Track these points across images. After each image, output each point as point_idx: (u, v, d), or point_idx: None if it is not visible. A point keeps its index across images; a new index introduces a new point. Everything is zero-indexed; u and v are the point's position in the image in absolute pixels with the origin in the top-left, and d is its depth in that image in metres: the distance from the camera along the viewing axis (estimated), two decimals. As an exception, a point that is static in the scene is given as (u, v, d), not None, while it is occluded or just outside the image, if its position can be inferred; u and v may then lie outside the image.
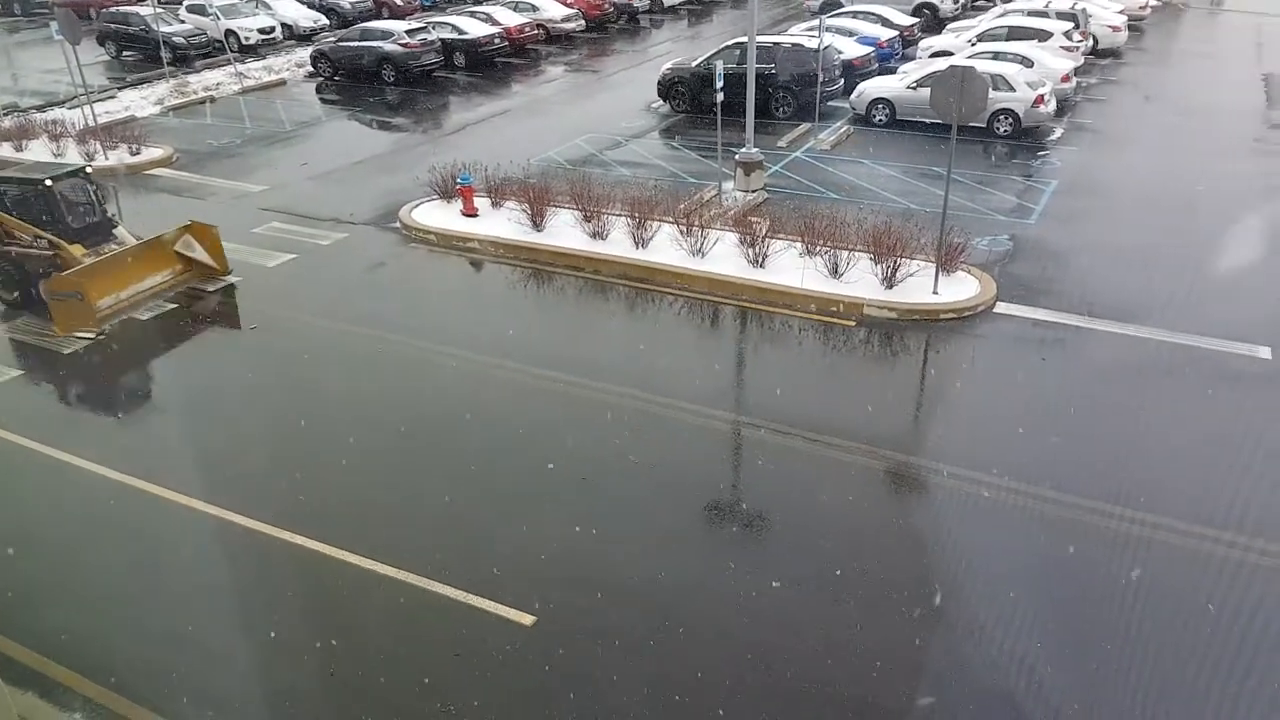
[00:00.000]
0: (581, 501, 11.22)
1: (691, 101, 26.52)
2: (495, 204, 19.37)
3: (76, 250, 15.57)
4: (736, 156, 20.03)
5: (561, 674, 8.82)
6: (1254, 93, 28.56)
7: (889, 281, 15.45)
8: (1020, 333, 14.71)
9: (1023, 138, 23.74)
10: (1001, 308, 15.30)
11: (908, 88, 24.68)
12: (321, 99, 30.84)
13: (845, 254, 15.84)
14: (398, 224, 19.39)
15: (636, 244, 17.41)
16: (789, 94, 25.65)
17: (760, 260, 16.37)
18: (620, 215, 17.85)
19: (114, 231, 16.52)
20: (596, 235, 17.84)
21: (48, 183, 15.49)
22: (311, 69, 33.39)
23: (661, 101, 27.56)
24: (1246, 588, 9.59)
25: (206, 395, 13.83)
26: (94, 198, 16.40)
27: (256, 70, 33.67)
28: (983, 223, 18.50)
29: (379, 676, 8.88)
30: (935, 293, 15.30)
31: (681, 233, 17.08)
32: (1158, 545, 10.16)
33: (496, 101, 29.60)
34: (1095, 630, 9.09)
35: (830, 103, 26.02)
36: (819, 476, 11.54)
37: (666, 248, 17.18)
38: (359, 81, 31.81)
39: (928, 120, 23.44)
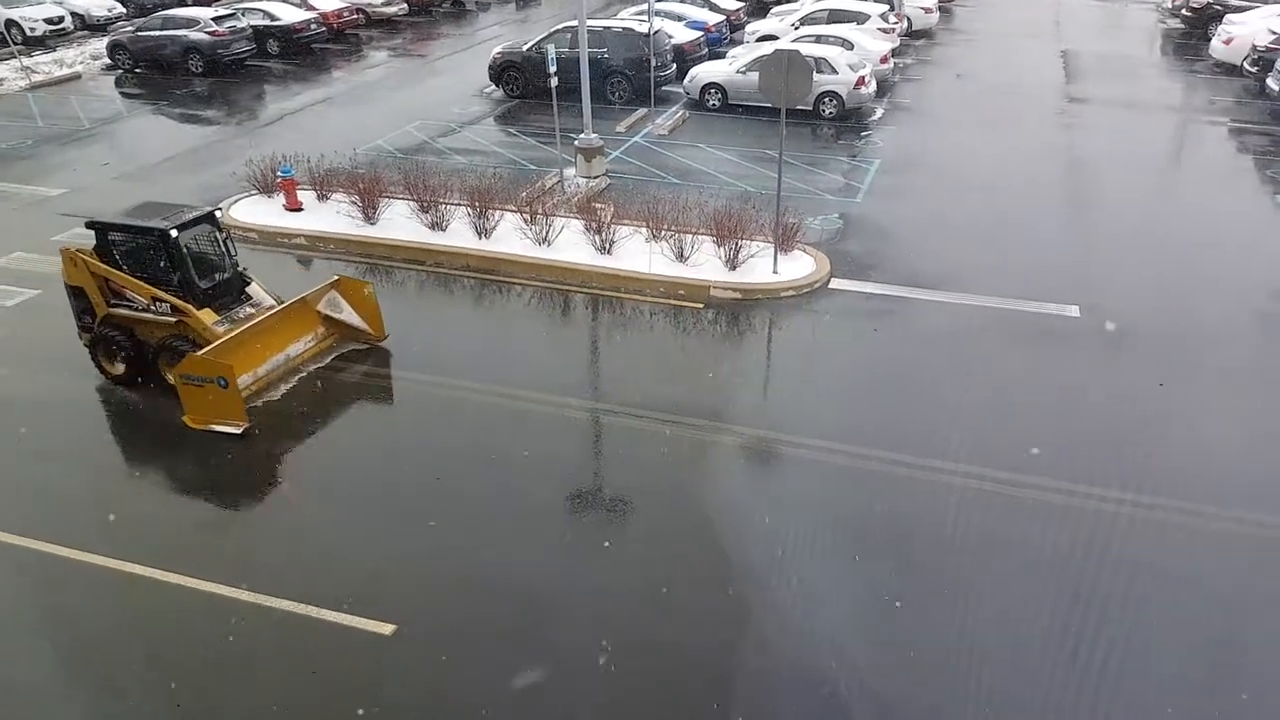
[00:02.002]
0: (436, 502, 11.08)
1: (525, 86, 26.37)
2: (322, 197, 18.71)
3: (207, 317, 12.67)
4: (576, 142, 20.10)
5: (425, 680, 8.73)
6: (1054, 69, 31.03)
7: (732, 263, 15.95)
8: (854, 306, 15.51)
9: (847, 119, 24.91)
10: (836, 283, 16.08)
11: (737, 72, 25.40)
12: (122, 93, 28.77)
13: (690, 238, 16.23)
14: (217, 223, 18.41)
15: (479, 234, 17.23)
16: (623, 79, 25.92)
17: (607, 247, 16.54)
18: (460, 205, 17.61)
19: (247, 290, 13.53)
20: (435, 226, 17.54)
21: (172, 233, 12.37)
22: (109, 61, 31.08)
23: (494, 86, 27.28)
24: (1066, 528, 10.49)
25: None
26: (225, 249, 13.26)
27: (46, 64, 31.06)
28: (814, 202, 19.34)
29: (229, 704, 8.51)
30: (775, 272, 15.91)
31: (525, 221, 17.04)
32: (986, 495, 10.97)
33: (316, 89, 28.49)
34: (936, 577, 9.78)
35: (664, 88, 26.47)
36: (676, 457, 11.83)
37: (510, 237, 17.09)
38: (163, 73, 29.85)
39: (758, 104, 24.23)
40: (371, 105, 26.70)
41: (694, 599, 9.64)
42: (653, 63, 25.08)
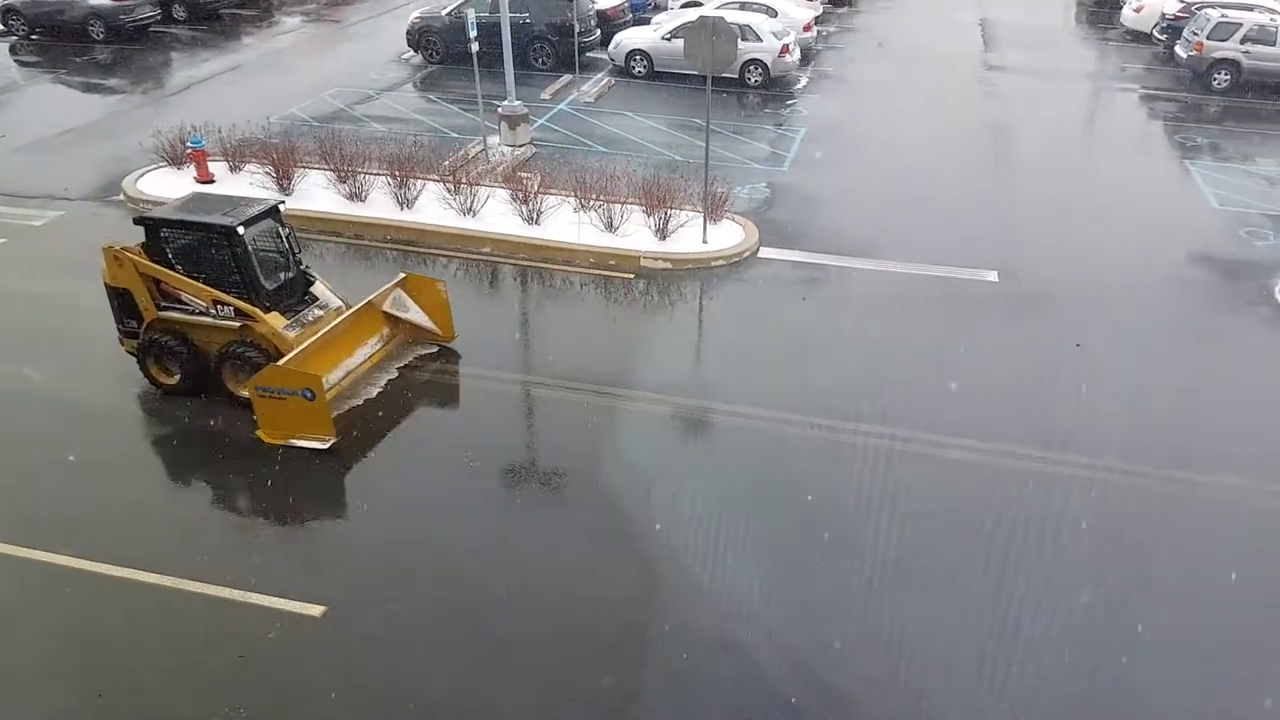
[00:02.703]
0: (368, 482, 10.90)
1: (446, 52, 25.81)
2: (234, 168, 18.07)
3: (276, 321, 11.54)
4: (500, 110, 19.77)
5: (355, 660, 8.61)
6: (973, 37, 31.61)
7: (662, 233, 15.93)
8: (783, 274, 15.65)
9: (772, 87, 25.00)
10: (765, 252, 16.19)
11: (662, 39, 25.24)
12: (18, 61, 27.23)
13: (619, 207, 16.13)
14: (121, 196, 17.63)
15: (400, 204, 16.87)
16: (546, 44, 25.55)
17: (535, 217, 16.34)
18: (379, 174, 17.20)
19: (311, 289, 12.38)
20: (354, 197, 17.11)
21: (240, 230, 11.24)
22: (2, 27, 29.41)
23: (413, 52, 26.65)
24: (982, 488, 10.80)
25: None
26: (289, 245, 12.11)
27: (-74, 29, 29.25)
28: (742, 171, 19.42)
29: (157, 691, 8.28)
30: (705, 241, 15.94)
31: (449, 191, 16.73)
32: (910, 456, 11.25)
33: (226, 56, 27.44)
34: (852, 530, 10.02)
35: (589, 54, 26.17)
36: (610, 429, 11.81)
37: (433, 207, 16.77)
38: (62, 40, 28.31)
39: (685, 72, 24.15)
40: (285, 73, 25.84)
41: (612, 561, 9.73)
42: (576, 28, 24.76)
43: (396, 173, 16.89)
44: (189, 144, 17.89)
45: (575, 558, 9.78)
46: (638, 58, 25.64)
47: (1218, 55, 25.52)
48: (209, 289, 11.37)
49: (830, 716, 8.22)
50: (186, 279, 11.44)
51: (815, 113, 23.55)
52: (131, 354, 12.04)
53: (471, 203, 16.58)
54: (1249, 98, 25.33)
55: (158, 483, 10.97)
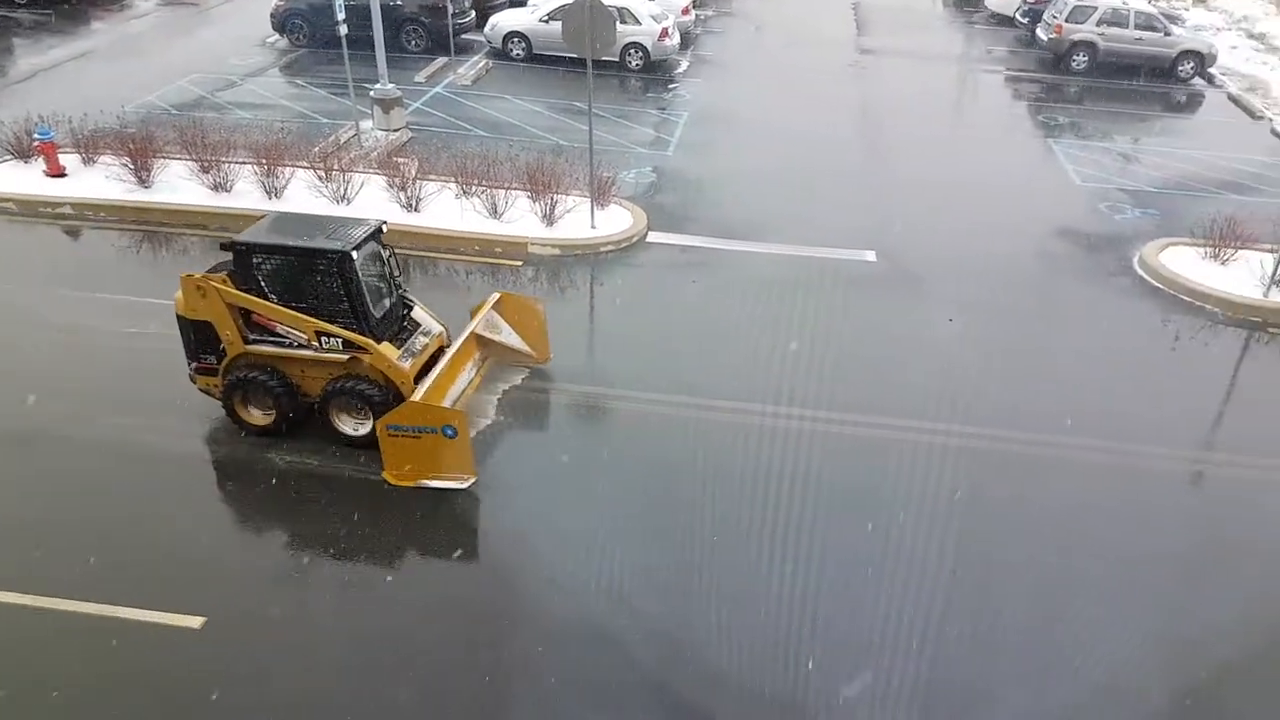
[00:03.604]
0: (240, 489, 10.51)
1: (313, 35, 24.90)
2: (87, 160, 17.07)
3: (389, 351, 10.62)
4: (372, 93, 19.24)
5: (237, 669, 8.33)
6: (846, 21, 32.44)
7: (549, 219, 15.81)
8: (672, 259, 15.76)
9: (653, 71, 25.11)
10: (653, 237, 16.28)
11: (540, 21, 25.00)
12: None
13: (503, 193, 15.93)
14: (-40, 192, 16.46)
15: (268, 194, 16.23)
16: (419, 26, 25.00)
17: (414, 204, 15.99)
18: (246, 163, 16.51)
19: (411, 315, 11.45)
20: (219, 187, 16.39)
21: (352, 254, 10.25)
22: None
23: (278, 36, 25.64)
24: (861, 459, 11.16)
25: None
26: (391, 268, 11.17)
27: None
28: (627, 156, 19.45)
29: (24, 721, 7.80)
30: (594, 227, 15.91)
31: (320, 179, 16.19)
32: (796, 432, 11.51)
33: (75, 42, 25.78)
34: (729, 508, 10.24)
35: (464, 36, 25.77)
36: (505, 417, 11.67)
37: (305, 196, 16.20)
38: (-120, 20, 26.21)
39: (564, 54, 23.99)
40: (140, 59, 24.45)
41: (501, 547, 9.72)
42: (450, 9, 24.29)
43: (264, 161, 16.25)
44: (36, 135, 16.79)
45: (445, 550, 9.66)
46: (515, 40, 25.34)
47: (1076, 37, 26.91)
48: (312, 319, 10.41)
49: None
50: (285, 309, 10.42)
51: (697, 97, 23.76)
52: (207, 392, 11.02)
53: (345, 190, 16.09)
54: (1105, 78, 26.81)
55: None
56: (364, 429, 10.66)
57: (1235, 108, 25.58)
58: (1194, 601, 9.58)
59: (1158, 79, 26.89)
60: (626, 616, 8.98)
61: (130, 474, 10.46)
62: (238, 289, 10.45)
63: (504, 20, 25.75)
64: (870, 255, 16.03)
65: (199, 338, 10.77)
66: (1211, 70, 27.31)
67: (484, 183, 16.00)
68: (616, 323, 14.43)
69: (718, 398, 12.08)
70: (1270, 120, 24.22)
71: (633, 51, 24.77)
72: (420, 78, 23.42)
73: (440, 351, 11.28)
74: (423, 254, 15.31)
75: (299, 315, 10.40)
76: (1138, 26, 26.70)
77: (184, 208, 16.05)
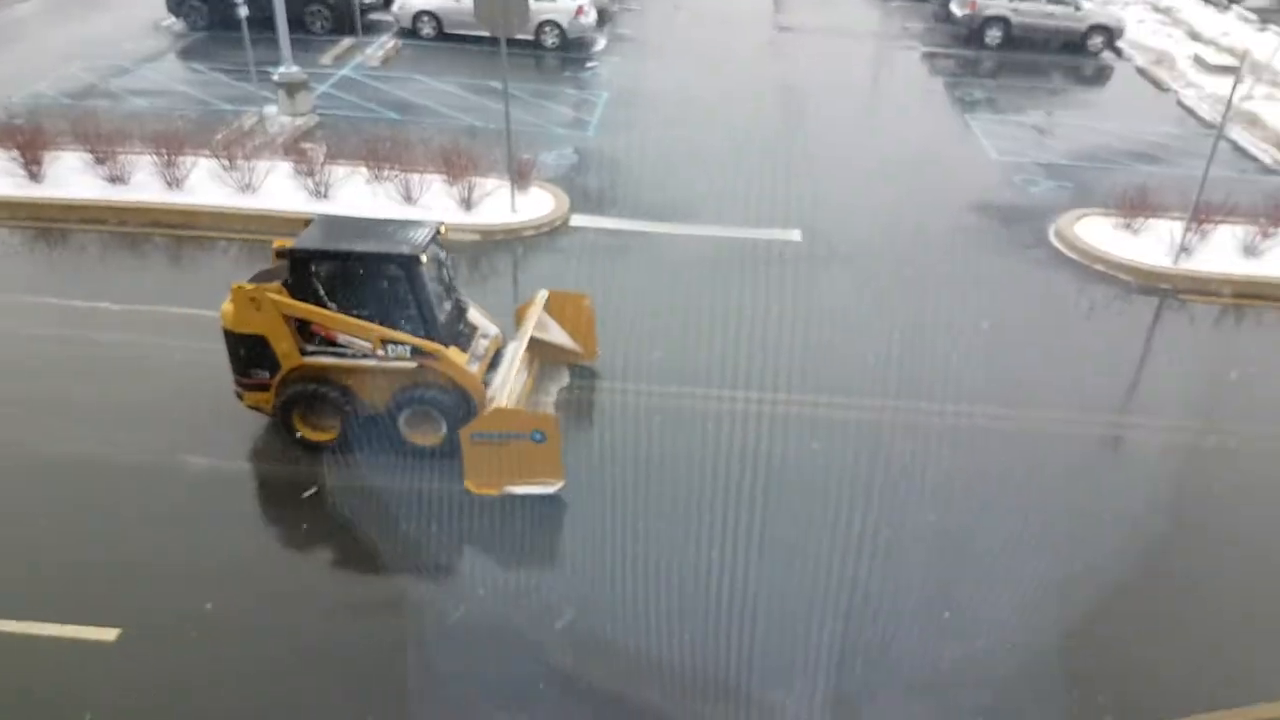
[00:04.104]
0: (147, 494, 10.09)
1: (210, 16, 23.97)
2: (-29, 153, 16.19)
3: (459, 357, 10.28)
4: (275, 77, 18.59)
5: (154, 681, 8.07)
6: (763, -1, 32.54)
7: (467, 203, 15.51)
8: (596, 242, 15.60)
9: (570, 49, 24.81)
10: (577, 220, 16.09)
11: (451, -1, 24.52)
12: None
13: (417, 178, 15.55)
14: None
15: (169, 185, 15.60)
16: (323, 6, 24.28)
17: (323, 190, 15.51)
18: (143, 153, 15.83)
19: (467, 317, 11.09)
20: (116, 179, 15.69)
21: (421, 256, 9.89)
22: None
23: (174, 19, 24.64)
24: (788, 434, 11.30)
25: None
26: (448, 271, 10.82)
27: None
28: (546, 137, 19.18)
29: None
30: (514, 211, 15.65)
31: (224, 167, 15.61)
32: (725, 414, 11.58)
33: (-51, 25, 24.46)
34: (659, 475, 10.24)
35: (371, 15, 25.13)
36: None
37: (208, 186, 15.63)
38: None
39: (477, 33, 23.52)
40: (24, 45, 23.28)
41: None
42: (356, -12, 23.64)
43: (162, 150, 15.60)
44: (-92, 127, 15.88)
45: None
46: (425, 19, 24.77)
47: (989, 13, 27.39)
48: (377, 327, 9.99)
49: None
50: (349, 318, 10.00)
51: (617, 76, 23.56)
52: (256, 408, 10.55)
53: (250, 178, 15.54)
54: (1019, 52, 27.38)
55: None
56: (434, 438, 10.39)
57: (1143, 80, 26.37)
58: (1096, 557, 9.83)
59: (1069, 53, 27.58)
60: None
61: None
62: (296, 299, 10.00)
63: (413, -1, 25.17)
64: (796, 234, 16.09)
65: (249, 352, 10.22)
66: (1120, 44, 28.09)
67: (397, 167, 15.60)
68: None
69: (641, 381, 12.02)
70: (1176, 92, 25.02)
71: (548, 29, 24.44)
72: (326, 60, 22.76)
73: (498, 354, 11.05)
74: (335, 243, 14.87)
75: (364, 323, 9.99)
76: (1049, 1, 27.31)
77: (79, 202, 15.32)
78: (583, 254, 15.25)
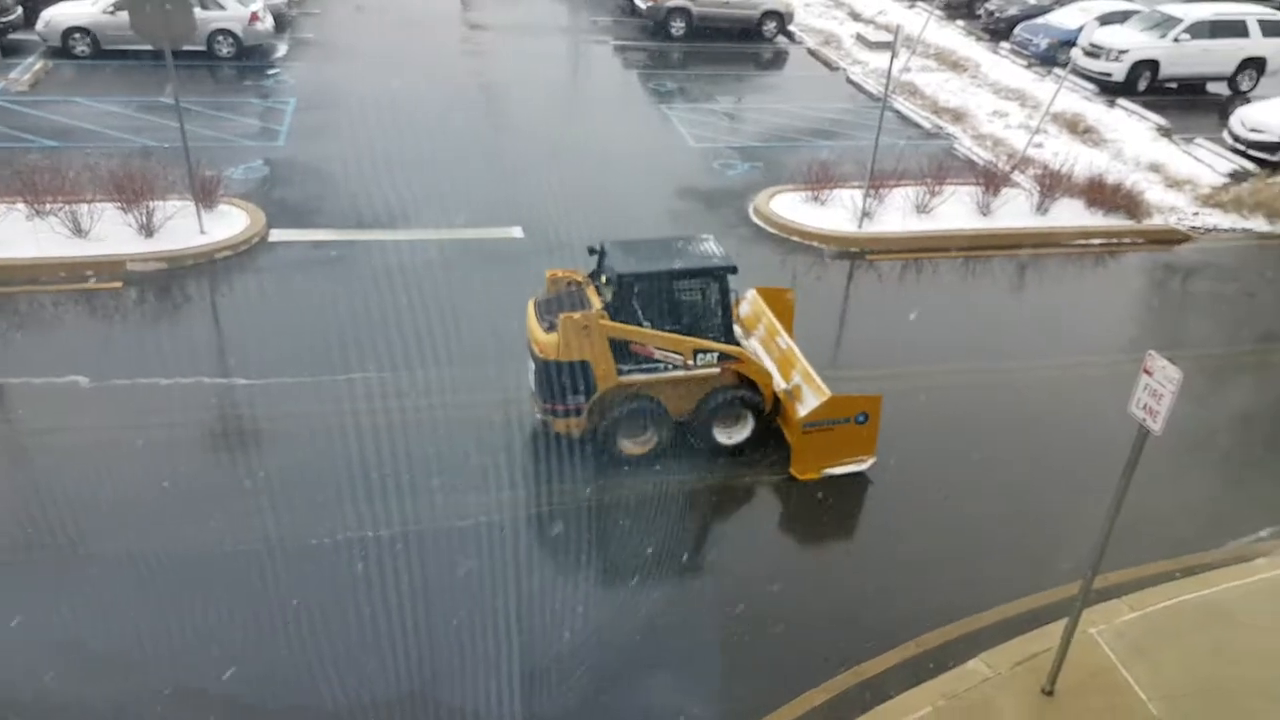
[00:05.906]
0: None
1: None
2: None
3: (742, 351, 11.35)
4: (-107, 108, 16.48)
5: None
6: (450, -2, 32.61)
7: (147, 230, 14.55)
8: (302, 256, 15.14)
9: (249, 57, 23.75)
10: (276, 235, 15.52)
11: (104, 13, 22.68)
12: None
13: (85, 208, 14.36)
14: None
15: None
16: (-52, 25, 21.70)
17: (-28, 232, 13.98)
18: None
19: None
20: None
21: (735, 269, 11.00)
22: None
23: None
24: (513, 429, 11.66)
25: None
26: None
27: None
28: (232, 150, 18.32)
29: None
30: (203, 232, 14.86)
31: None
32: (458, 420, 11.72)
33: None
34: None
35: (12, 35, 22.81)
36: (137, 437, 10.67)
37: None
38: None
39: (141, 48, 21.89)
40: None
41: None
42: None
43: None
44: None
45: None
46: (78, 35, 22.76)
47: (671, 4, 29.08)
48: (690, 338, 10.88)
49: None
50: (668, 334, 10.78)
51: (304, 81, 22.82)
52: (567, 433, 11.08)
53: (-121, 226, 13.72)
54: (703, 42, 29.26)
55: None
56: (740, 435, 11.43)
57: (815, 61, 29.05)
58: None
59: (747, 40, 29.85)
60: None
61: None
62: (618, 321, 10.68)
63: (59, 14, 22.98)
64: (517, 231, 16.37)
65: (571, 379, 10.77)
66: (791, 28, 30.76)
67: (60, 198, 14.32)
68: (242, 336, 13.37)
69: (368, 399, 11.86)
70: (845, 70, 27.78)
71: (222, 38, 23.26)
72: (-41, 85, 20.39)
73: None
74: (-9, 290, 13.42)
75: (680, 337, 10.85)
76: (724, -9, 29.40)
77: None
78: (289, 270, 14.75)
